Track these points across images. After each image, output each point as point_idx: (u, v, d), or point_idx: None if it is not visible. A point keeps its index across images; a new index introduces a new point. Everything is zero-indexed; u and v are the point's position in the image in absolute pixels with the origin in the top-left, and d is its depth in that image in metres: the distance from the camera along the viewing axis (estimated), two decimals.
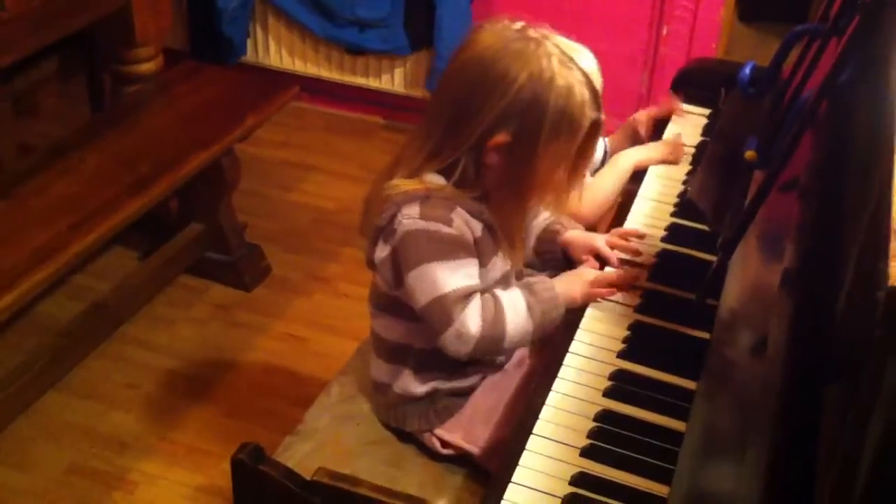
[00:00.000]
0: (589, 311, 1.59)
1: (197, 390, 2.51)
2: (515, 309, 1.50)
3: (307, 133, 3.61)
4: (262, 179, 3.31)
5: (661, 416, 1.40)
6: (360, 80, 3.59)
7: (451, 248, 1.47)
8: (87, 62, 2.94)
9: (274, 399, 2.48)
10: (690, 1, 3.15)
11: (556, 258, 1.76)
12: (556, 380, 1.45)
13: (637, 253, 1.72)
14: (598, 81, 1.56)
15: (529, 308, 1.52)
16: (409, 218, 1.47)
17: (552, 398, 1.41)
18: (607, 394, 1.43)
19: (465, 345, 1.48)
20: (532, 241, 1.76)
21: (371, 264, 1.58)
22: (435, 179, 1.50)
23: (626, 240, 1.74)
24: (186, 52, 3.57)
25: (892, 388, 0.65)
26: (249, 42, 3.61)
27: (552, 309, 1.54)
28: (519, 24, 1.49)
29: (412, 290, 1.49)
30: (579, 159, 1.51)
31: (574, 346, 1.51)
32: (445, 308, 1.46)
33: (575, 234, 1.75)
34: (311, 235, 3.09)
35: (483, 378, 1.64)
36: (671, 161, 2.00)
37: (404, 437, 1.66)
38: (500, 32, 1.47)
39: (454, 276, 1.46)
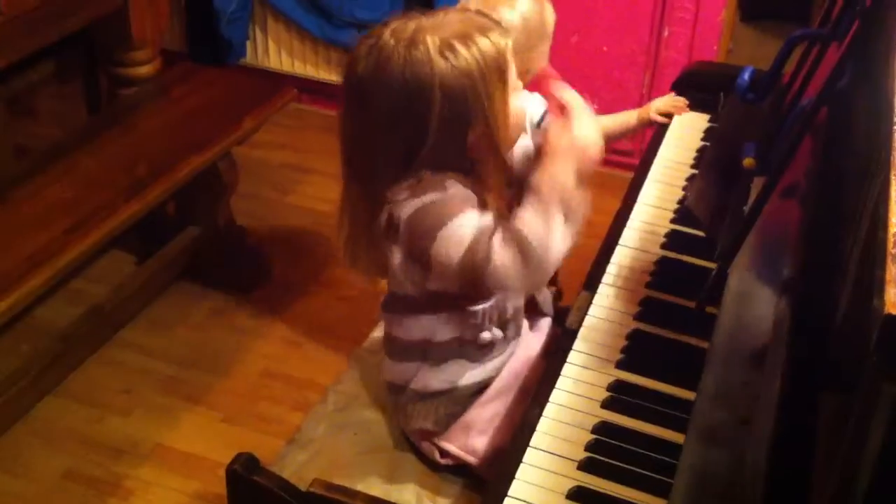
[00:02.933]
0: (587, 321, 1.57)
1: (195, 396, 2.50)
2: (534, 216, 1.41)
3: (307, 135, 3.59)
4: (262, 182, 3.30)
5: (659, 428, 1.38)
6: None
7: (455, 205, 1.44)
8: (84, 64, 2.92)
9: (273, 405, 2.47)
10: (691, 2, 3.13)
11: None
12: (554, 391, 1.43)
13: None
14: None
15: (544, 202, 1.41)
16: (404, 204, 1.45)
17: (550, 410, 1.40)
18: (606, 405, 1.41)
19: (513, 274, 1.41)
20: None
21: (387, 275, 1.57)
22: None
23: None
24: (185, 53, 3.55)
25: (886, 412, 0.64)
26: (249, 44, 3.60)
27: (569, 183, 1.42)
28: (388, 33, 1.44)
29: (441, 260, 1.43)
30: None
31: (572, 356, 1.49)
32: (477, 254, 1.40)
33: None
34: (311, 238, 3.07)
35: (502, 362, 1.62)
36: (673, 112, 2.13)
37: (401, 446, 1.65)
38: (380, 60, 1.43)
39: (469, 225, 1.42)
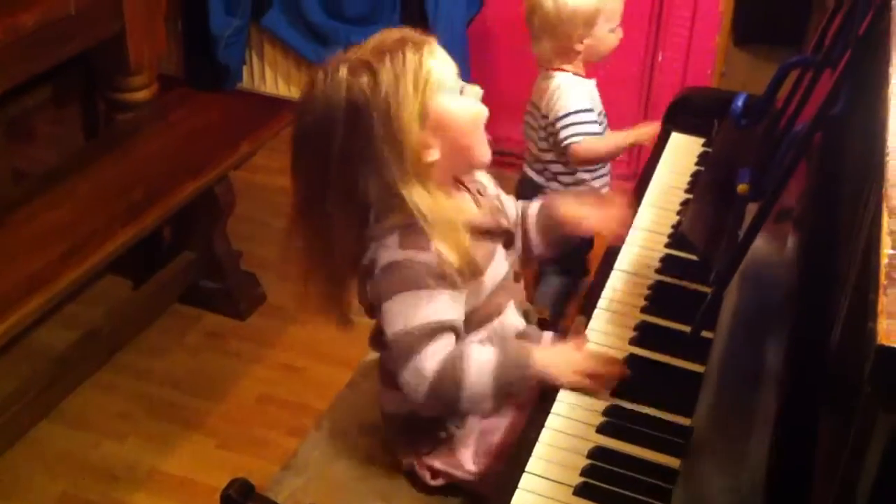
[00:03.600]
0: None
1: (190, 420, 2.49)
2: (480, 365, 1.44)
3: None
4: (258, 206, 3.29)
5: (655, 453, 1.38)
6: None
7: (425, 278, 1.45)
8: (81, 89, 2.93)
9: (268, 429, 2.46)
10: (685, 27, 3.15)
11: (559, 236, 1.73)
12: (549, 415, 1.43)
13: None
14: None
15: (494, 370, 1.44)
16: (388, 249, 1.47)
17: (545, 434, 1.40)
18: (601, 430, 1.41)
19: (421, 384, 1.43)
20: (534, 233, 1.72)
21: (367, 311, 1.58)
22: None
23: None
24: (182, 77, 3.56)
25: (882, 440, 0.65)
26: (245, 69, 3.61)
27: (519, 379, 1.45)
28: (319, 75, 1.49)
29: (384, 321, 1.48)
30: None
31: None
32: (410, 341, 1.44)
33: (567, 211, 1.71)
34: None
35: None
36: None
37: (395, 470, 1.65)
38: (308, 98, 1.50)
39: (425, 308, 1.44)
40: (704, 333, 1.45)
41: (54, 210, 2.37)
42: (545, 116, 2.43)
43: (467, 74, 3.10)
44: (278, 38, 3.51)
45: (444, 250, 1.46)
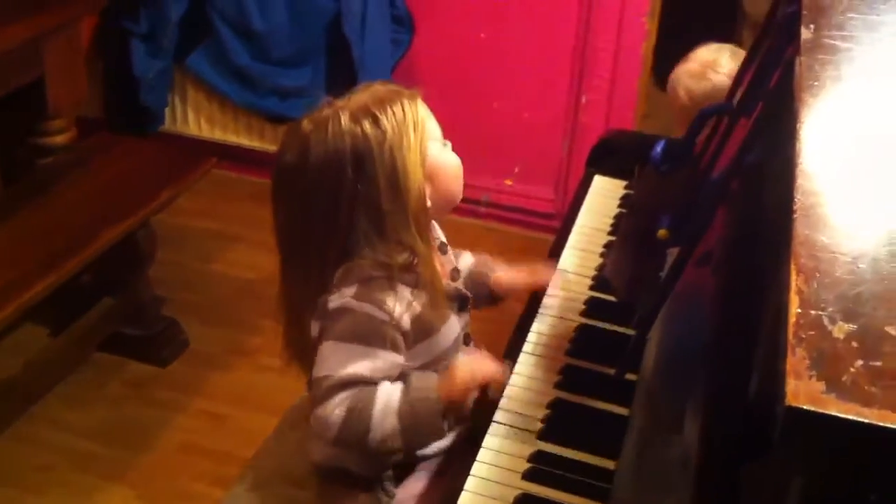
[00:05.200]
0: (507, 390, 1.57)
1: (112, 472, 2.43)
2: (385, 408, 1.44)
3: (229, 202, 3.57)
4: (183, 250, 3.26)
5: (582, 499, 1.38)
6: None
7: (368, 335, 1.46)
8: None
9: (192, 480, 2.41)
10: (607, 70, 3.20)
11: (483, 298, 1.76)
12: (475, 463, 1.42)
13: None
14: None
15: (399, 408, 1.45)
16: (344, 297, 1.47)
17: (470, 483, 1.39)
18: (527, 477, 1.41)
19: (328, 430, 1.45)
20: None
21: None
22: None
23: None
24: (103, 120, 3.52)
25: (794, 497, 0.65)
26: (168, 111, 3.57)
27: (427, 413, 1.45)
28: (306, 121, 1.50)
29: (316, 360, 1.48)
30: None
31: (492, 427, 1.49)
32: (325, 388, 1.45)
33: (503, 275, 1.77)
34: (232, 307, 3.03)
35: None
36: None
37: None
38: (301, 146, 1.49)
39: (354, 362, 1.45)
40: (629, 376, 1.46)
41: None
42: None
43: None
44: (202, 80, 3.47)
45: (399, 311, 1.47)
